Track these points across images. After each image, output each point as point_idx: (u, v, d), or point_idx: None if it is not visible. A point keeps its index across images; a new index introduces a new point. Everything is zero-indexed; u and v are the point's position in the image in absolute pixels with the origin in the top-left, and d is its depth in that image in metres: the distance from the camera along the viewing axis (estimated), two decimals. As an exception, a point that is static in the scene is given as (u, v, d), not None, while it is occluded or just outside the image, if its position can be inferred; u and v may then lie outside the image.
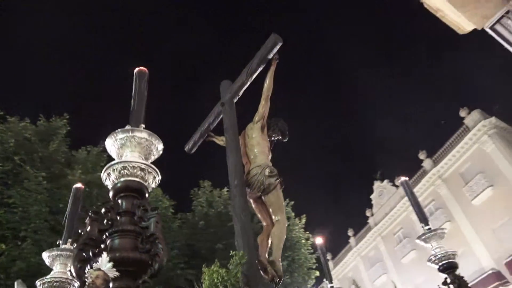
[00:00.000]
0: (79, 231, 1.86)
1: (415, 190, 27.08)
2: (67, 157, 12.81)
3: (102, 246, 1.78)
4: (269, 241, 3.94)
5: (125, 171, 1.85)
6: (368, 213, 31.51)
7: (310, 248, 15.13)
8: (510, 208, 20.09)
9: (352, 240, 33.67)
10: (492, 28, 7.92)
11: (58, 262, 2.73)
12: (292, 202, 15.52)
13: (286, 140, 4.62)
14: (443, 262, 3.32)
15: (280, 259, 3.79)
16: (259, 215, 4.10)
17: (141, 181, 1.90)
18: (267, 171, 3.87)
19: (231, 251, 3.23)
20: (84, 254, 1.72)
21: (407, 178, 4.09)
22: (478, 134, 23.30)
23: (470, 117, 24.11)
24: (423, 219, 3.55)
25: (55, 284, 2.61)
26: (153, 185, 1.97)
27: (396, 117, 63.49)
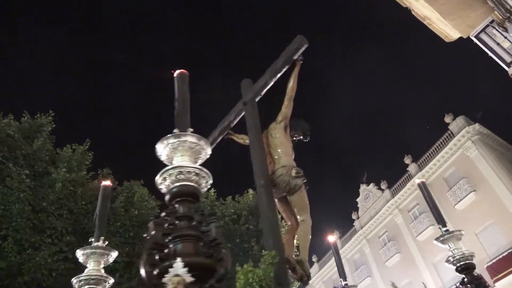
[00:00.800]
0: (144, 235, 1.90)
1: (400, 194, 27.60)
2: (52, 155, 12.59)
3: (166, 250, 1.81)
4: (294, 241, 3.99)
5: (181, 176, 1.90)
6: (354, 216, 31.78)
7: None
8: (493, 212, 20.54)
9: (337, 243, 33.89)
10: (477, 36, 8.02)
11: (92, 260, 2.82)
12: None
13: (307, 140, 4.66)
14: (461, 263, 3.37)
15: (307, 259, 3.83)
16: (283, 215, 4.12)
17: (196, 185, 1.95)
18: (293, 172, 3.90)
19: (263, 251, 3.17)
20: (153, 258, 1.76)
21: (423, 180, 4.14)
22: (462, 140, 23.75)
23: (455, 123, 24.57)
24: (441, 221, 3.62)
25: (91, 281, 2.72)
26: (205, 189, 2.03)
27: (384, 121, 64.31)
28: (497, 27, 7.91)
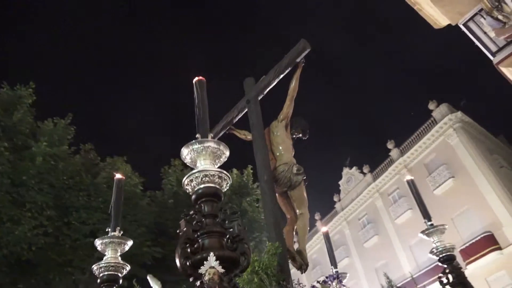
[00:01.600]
0: (177, 231, 2.17)
1: (381, 177, 28.08)
2: (32, 128, 12.29)
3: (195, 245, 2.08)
4: (294, 233, 4.25)
5: (206, 178, 2.17)
6: (335, 198, 32.35)
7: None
8: (469, 198, 21.21)
9: (318, 224, 34.59)
10: (465, 24, 8.03)
11: (110, 248, 3.06)
12: (263, 184, 15.73)
13: (306, 138, 4.90)
14: (443, 254, 3.68)
15: (306, 249, 4.12)
16: (283, 208, 4.34)
17: (218, 186, 2.21)
18: (295, 169, 4.17)
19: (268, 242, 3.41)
20: (186, 251, 2.03)
21: (412, 178, 4.37)
22: (444, 127, 24.19)
23: (438, 110, 24.94)
24: (427, 216, 3.91)
25: (110, 268, 2.94)
26: (225, 189, 2.28)
27: (369, 106, 64.87)
28: (485, 16, 7.96)
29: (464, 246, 20.96)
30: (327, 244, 4.60)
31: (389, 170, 27.39)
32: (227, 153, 2.32)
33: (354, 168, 31.57)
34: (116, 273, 2.97)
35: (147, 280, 13.26)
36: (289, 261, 3.84)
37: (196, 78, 2.75)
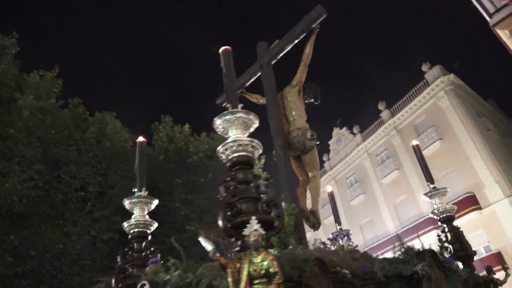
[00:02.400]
0: (217, 196, 2.36)
1: (370, 138, 28.39)
2: (18, 81, 11.96)
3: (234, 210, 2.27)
4: (307, 193, 4.46)
5: (240, 147, 2.32)
6: (324, 158, 32.81)
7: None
8: (454, 161, 21.70)
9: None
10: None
11: (137, 207, 3.25)
12: (253, 142, 15.76)
13: (317, 103, 4.98)
14: (444, 215, 3.96)
15: (318, 209, 4.31)
16: (296, 171, 4.48)
17: (251, 155, 2.37)
18: (309, 135, 4.31)
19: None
20: (228, 214, 2.23)
21: (418, 143, 4.49)
22: (436, 89, 24.19)
23: (431, 72, 24.81)
24: (430, 179, 4.12)
25: (140, 225, 3.17)
26: (256, 156, 2.45)
27: (363, 67, 64.16)
28: (486, -26, 7.72)
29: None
30: (332, 204, 4.88)
31: (378, 131, 27.65)
32: (257, 122, 2.44)
33: (344, 128, 31.79)
34: (145, 229, 3.19)
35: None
36: (304, 220, 4.05)
37: (223, 48, 2.78)
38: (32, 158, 10.71)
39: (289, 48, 4.68)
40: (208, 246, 2.59)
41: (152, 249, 3.21)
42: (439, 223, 4.08)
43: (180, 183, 13.11)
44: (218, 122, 2.38)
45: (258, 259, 1.86)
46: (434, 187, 4.06)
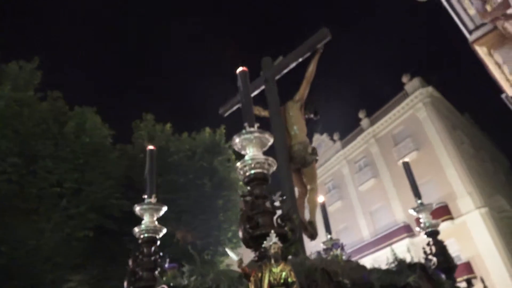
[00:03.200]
0: (240, 209, 2.54)
1: (350, 146, 28.81)
2: (-5, 70, 11.61)
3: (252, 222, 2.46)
4: (305, 205, 4.66)
5: (257, 165, 2.54)
6: (304, 163, 33.06)
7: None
8: (429, 171, 22.27)
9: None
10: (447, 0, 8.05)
11: (147, 213, 3.47)
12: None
13: (317, 119, 5.28)
14: (429, 229, 4.24)
15: (316, 220, 4.52)
16: (295, 183, 4.62)
17: (266, 172, 2.57)
18: (310, 149, 4.56)
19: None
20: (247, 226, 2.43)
21: (408, 160, 4.86)
22: (415, 101, 24.84)
23: (411, 84, 25.46)
24: (417, 195, 4.45)
25: (150, 231, 3.39)
26: (271, 172, 2.63)
27: (344, 73, 65.18)
28: (467, -6, 8.03)
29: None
30: (323, 213, 5.05)
31: (358, 139, 28.13)
32: (272, 140, 2.68)
33: (325, 134, 32.18)
34: (154, 235, 3.42)
35: (113, 231, 13.29)
36: (302, 230, 4.23)
37: (240, 69, 2.97)
38: (7, 150, 10.39)
39: (293, 65, 4.93)
40: (233, 256, 2.69)
41: (161, 253, 3.42)
42: (425, 236, 4.31)
43: (158, 182, 12.99)
44: (237, 140, 2.60)
45: (277, 269, 2.03)
46: (421, 203, 4.36)
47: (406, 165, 4.75)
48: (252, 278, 2.03)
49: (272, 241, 2.13)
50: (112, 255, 12.48)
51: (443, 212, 21.29)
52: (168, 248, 12.36)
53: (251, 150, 2.60)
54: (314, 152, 4.64)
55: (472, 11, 8.56)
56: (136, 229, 3.43)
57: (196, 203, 13.27)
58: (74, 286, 12.47)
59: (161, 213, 3.57)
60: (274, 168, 2.62)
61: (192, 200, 13.23)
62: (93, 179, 11.85)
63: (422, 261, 3.74)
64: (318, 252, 3.40)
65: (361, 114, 28.55)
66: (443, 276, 3.69)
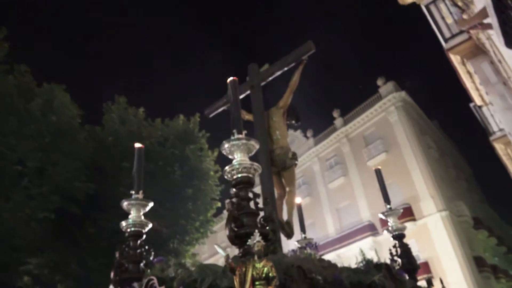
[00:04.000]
0: (225, 210, 2.77)
1: (322, 143, 29.17)
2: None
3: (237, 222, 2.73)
4: (283, 206, 4.92)
5: (244, 169, 2.78)
6: (276, 158, 33.25)
7: (217, 180, 15.62)
8: (396, 173, 22.93)
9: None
10: (427, 6, 8.22)
11: (134, 208, 3.65)
12: (208, 134, 15.62)
13: (297, 125, 5.58)
14: (396, 232, 4.55)
15: (292, 221, 4.76)
16: (275, 185, 4.84)
17: (251, 176, 2.82)
18: (290, 154, 4.81)
19: None
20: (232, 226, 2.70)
21: (380, 167, 5.10)
22: (388, 104, 25.45)
23: (385, 87, 26.06)
24: (387, 200, 4.75)
25: (137, 225, 3.57)
26: (256, 177, 2.87)
27: (321, 73, 65.85)
28: (446, 1, 8.20)
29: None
30: (299, 214, 5.37)
31: (330, 137, 28.54)
32: (257, 146, 2.93)
33: (298, 131, 32.44)
34: (140, 229, 3.59)
35: (76, 214, 12.85)
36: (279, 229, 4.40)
37: (230, 78, 3.18)
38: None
39: (278, 73, 5.16)
40: (221, 252, 2.79)
41: (146, 247, 3.58)
42: (388, 235, 4.60)
43: (127, 167, 12.65)
44: (226, 145, 2.84)
45: (260, 265, 2.25)
46: (390, 208, 4.66)
47: (378, 172, 5.00)
48: (237, 272, 2.22)
49: (256, 240, 2.34)
50: (73, 239, 12.10)
51: (406, 213, 21.98)
52: (133, 234, 12.13)
53: (238, 155, 2.84)
54: (294, 157, 4.88)
55: (449, 20, 8.77)
56: (123, 223, 3.58)
57: (164, 191, 13.05)
58: (32, 269, 12.04)
59: (147, 208, 3.72)
60: (259, 172, 2.89)
61: (160, 187, 12.99)
62: (58, 159, 11.39)
63: (386, 259, 3.92)
64: (293, 251, 3.60)
65: (335, 113, 28.96)
66: (406, 276, 3.91)
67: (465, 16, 7.16)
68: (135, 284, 3.02)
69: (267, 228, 2.75)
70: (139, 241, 3.57)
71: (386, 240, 22.35)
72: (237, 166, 2.78)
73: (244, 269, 2.22)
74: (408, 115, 25.11)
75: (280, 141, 4.88)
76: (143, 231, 3.62)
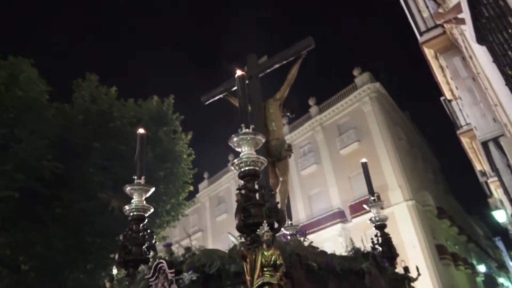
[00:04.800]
0: (236, 200, 2.93)
1: (297, 131, 29.38)
2: None
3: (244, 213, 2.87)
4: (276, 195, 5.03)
5: (252, 162, 2.92)
6: (251, 143, 33.30)
7: (190, 164, 15.48)
8: (368, 162, 23.39)
9: (230, 165, 35.67)
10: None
11: (137, 193, 3.84)
12: (182, 116, 15.39)
13: (293, 117, 5.80)
14: (378, 223, 4.83)
15: (285, 209, 4.84)
16: (269, 174, 5.03)
17: (258, 168, 2.97)
18: (286, 146, 4.97)
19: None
20: (241, 215, 2.84)
21: (366, 160, 5.55)
22: (362, 94, 25.85)
23: (360, 77, 26.41)
24: (371, 192, 5.09)
25: (140, 209, 3.78)
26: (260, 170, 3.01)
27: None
28: (424, -5, 8.30)
29: (353, 202, 23.54)
30: (287, 203, 5.51)
31: (305, 125, 28.79)
32: (263, 140, 3.09)
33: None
34: (142, 213, 3.81)
35: (42, 194, 12.45)
36: None
37: (239, 73, 3.28)
38: None
39: (277, 66, 5.29)
40: (234, 240, 3.09)
41: (149, 230, 3.78)
42: (374, 228, 4.90)
43: (97, 147, 12.31)
44: (235, 138, 2.98)
45: (268, 253, 2.45)
46: (374, 199, 4.98)
47: (365, 165, 5.38)
48: (248, 260, 2.43)
49: (265, 230, 2.54)
50: (39, 219, 11.75)
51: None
52: (102, 216, 11.89)
53: (246, 148, 2.98)
54: (289, 148, 5.05)
55: (425, 14, 8.90)
56: (126, 207, 3.77)
57: (134, 173, 12.80)
58: (-7, 249, 11.62)
59: (149, 193, 3.94)
60: (265, 165, 3.02)
61: (131, 169, 12.71)
62: (24, 136, 10.93)
63: (354, 245, 4.20)
64: (284, 236, 3.84)
65: (311, 101, 29.16)
66: (386, 263, 4.30)
67: (441, 10, 7.27)
68: (142, 266, 3.15)
69: (272, 218, 2.95)
70: (141, 225, 3.78)
71: (354, 227, 23.05)
72: (245, 159, 2.92)
73: (254, 257, 2.44)
74: (381, 106, 25.62)
75: (276, 132, 5.01)
76: (145, 215, 3.84)
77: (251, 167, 2.93)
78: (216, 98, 5.69)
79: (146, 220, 3.85)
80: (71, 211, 11.80)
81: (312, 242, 4.13)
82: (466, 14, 3.89)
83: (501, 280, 47.09)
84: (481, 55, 5.25)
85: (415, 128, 32.94)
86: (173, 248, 4.26)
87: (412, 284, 4.51)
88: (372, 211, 4.91)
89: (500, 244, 65.10)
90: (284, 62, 5.26)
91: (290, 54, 5.23)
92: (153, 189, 3.99)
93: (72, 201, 11.76)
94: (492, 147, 7.36)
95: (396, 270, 4.50)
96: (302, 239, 4.19)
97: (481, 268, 33.48)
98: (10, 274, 11.70)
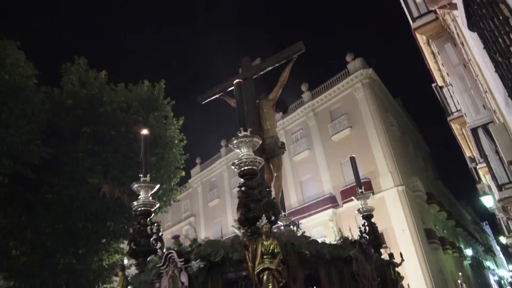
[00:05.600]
0: (237, 196, 3.29)
1: (289, 117, 29.30)
2: None
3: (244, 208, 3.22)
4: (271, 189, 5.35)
5: (251, 162, 3.24)
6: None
7: (181, 149, 15.40)
8: (359, 148, 23.61)
9: (223, 150, 35.66)
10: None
11: (143, 190, 4.18)
12: (173, 102, 15.22)
13: (284, 115, 6.09)
14: (366, 213, 5.19)
15: (279, 203, 5.05)
16: (264, 170, 5.27)
17: (256, 168, 3.29)
18: (279, 144, 5.30)
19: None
20: (242, 210, 3.19)
21: (354, 156, 5.77)
22: (355, 80, 25.80)
23: (353, 63, 26.31)
24: (359, 185, 5.40)
25: (147, 205, 4.13)
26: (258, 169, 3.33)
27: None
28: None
29: (344, 188, 23.74)
30: (281, 195, 5.83)
31: (298, 111, 28.74)
32: (260, 142, 3.39)
33: (266, 102, 32.37)
34: (149, 208, 4.14)
35: (31, 179, 12.30)
36: None
37: (237, 81, 3.64)
38: None
39: (270, 68, 5.59)
40: (237, 232, 3.53)
41: (155, 224, 4.11)
42: (362, 218, 5.21)
43: (87, 132, 12.16)
44: (235, 141, 3.30)
45: (267, 243, 2.79)
46: (362, 191, 5.32)
47: (353, 160, 5.58)
48: (249, 248, 2.76)
49: (264, 222, 2.90)
50: (28, 204, 11.67)
51: (366, 187, 22.44)
52: (93, 201, 11.84)
53: (244, 149, 3.30)
54: (283, 146, 5.36)
55: (419, 0, 8.82)
56: (134, 203, 4.12)
57: (125, 158, 12.70)
58: (-17, 234, 11.54)
59: (154, 190, 4.28)
60: (261, 165, 3.33)
61: (121, 154, 12.64)
62: (11, 121, 10.74)
63: (345, 229, 4.52)
64: (278, 227, 4.16)
65: (303, 87, 29.05)
66: (372, 250, 4.58)
67: (434, -4, 7.20)
68: (152, 257, 3.48)
69: (269, 212, 3.29)
70: (148, 219, 4.12)
71: (344, 212, 23.33)
72: (245, 160, 3.24)
73: (255, 246, 2.78)
74: (373, 92, 25.62)
75: (270, 131, 5.30)
76: (152, 210, 4.18)
77: (250, 167, 3.24)
78: (212, 98, 6.03)
79: (152, 215, 4.22)
80: (61, 196, 11.73)
81: (304, 232, 4.45)
82: (458, 0, 3.85)
83: (487, 263, 48.30)
84: (472, 42, 5.23)
85: (406, 114, 33.11)
86: (162, 234, 4.31)
87: (396, 268, 4.83)
88: (360, 202, 5.26)
89: (487, 229, 66.57)
90: (277, 65, 5.58)
91: (282, 57, 5.56)
92: (158, 186, 4.32)
93: (62, 186, 11.68)
94: (481, 133, 7.42)
95: (382, 257, 4.82)
96: (295, 229, 4.50)
97: (468, 252, 34.21)
98: (0, 259, 11.67)
